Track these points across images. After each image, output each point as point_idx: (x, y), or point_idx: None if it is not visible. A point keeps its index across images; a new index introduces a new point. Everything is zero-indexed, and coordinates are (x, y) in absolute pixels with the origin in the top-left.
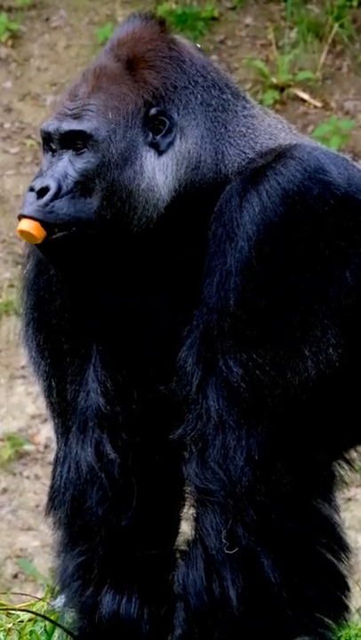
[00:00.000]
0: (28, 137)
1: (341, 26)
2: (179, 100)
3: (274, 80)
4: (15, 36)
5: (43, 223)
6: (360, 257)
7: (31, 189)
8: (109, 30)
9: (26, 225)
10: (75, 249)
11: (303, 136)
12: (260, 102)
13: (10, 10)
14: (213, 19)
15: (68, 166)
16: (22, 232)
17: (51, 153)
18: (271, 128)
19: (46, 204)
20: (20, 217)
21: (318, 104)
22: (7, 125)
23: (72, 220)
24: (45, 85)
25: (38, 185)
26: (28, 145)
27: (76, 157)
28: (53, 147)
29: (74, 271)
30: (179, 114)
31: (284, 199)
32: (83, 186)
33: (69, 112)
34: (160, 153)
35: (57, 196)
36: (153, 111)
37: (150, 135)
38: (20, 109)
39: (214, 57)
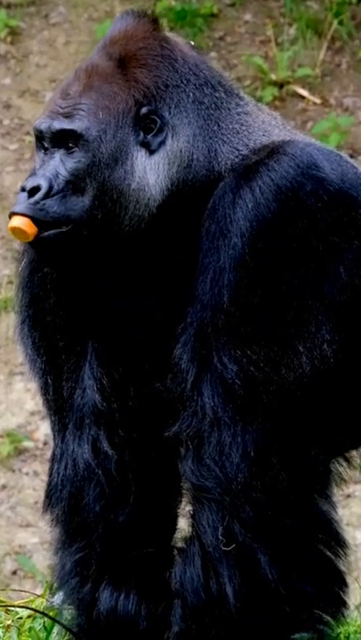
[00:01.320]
0: (27, 133)
1: (341, 22)
2: (170, 99)
3: (273, 77)
4: (14, 33)
5: (34, 220)
6: (354, 253)
7: (23, 189)
8: (108, 27)
9: (17, 222)
10: (65, 247)
11: (298, 132)
12: (260, 99)
13: (9, 6)
14: (212, 15)
15: (59, 165)
16: (14, 229)
17: (43, 151)
18: (265, 125)
19: (37, 202)
20: (11, 215)
21: (317, 101)
22: (6, 122)
23: (63, 218)
24: (44, 82)
25: (29, 184)
26: (27, 141)
27: (67, 156)
28: (45, 145)
29: (65, 269)
30: (170, 112)
31: (277, 195)
32: (74, 185)
33: (61, 110)
34: (151, 152)
35: (48, 194)
36: (144, 110)
37: (141, 134)
38: (20, 106)
39: (213, 54)
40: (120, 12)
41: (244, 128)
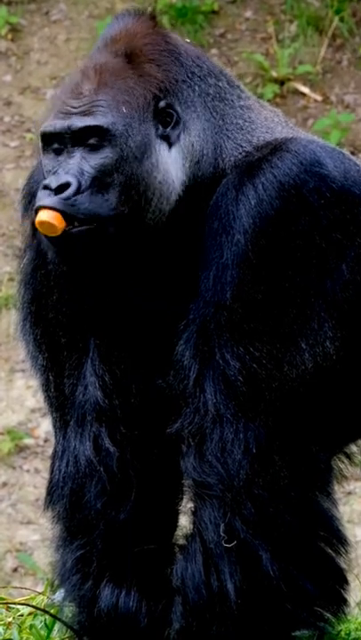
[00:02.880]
0: (28, 131)
1: (341, 19)
2: (180, 93)
3: (274, 74)
4: (15, 30)
5: (64, 215)
6: (356, 250)
7: (46, 187)
8: (109, 24)
9: (47, 215)
10: (91, 244)
11: (299, 130)
12: (260, 96)
13: (10, 3)
14: (213, 12)
15: (82, 163)
16: (42, 223)
17: (53, 153)
18: (268, 121)
19: (68, 198)
20: (39, 209)
21: (318, 98)
22: (7, 119)
23: (93, 214)
24: (45, 79)
25: (55, 182)
26: (28, 139)
27: (91, 154)
28: (58, 146)
29: (83, 266)
30: (181, 106)
31: (280, 192)
32: (99, 182)
33: (75, 110)
34: (170, 146)
35: (78, 191)
36: (162, 104)
37: (160, 128)
38: (20, 103)
39: (214, 51)
40: (120, 9)
41: (247, 124)
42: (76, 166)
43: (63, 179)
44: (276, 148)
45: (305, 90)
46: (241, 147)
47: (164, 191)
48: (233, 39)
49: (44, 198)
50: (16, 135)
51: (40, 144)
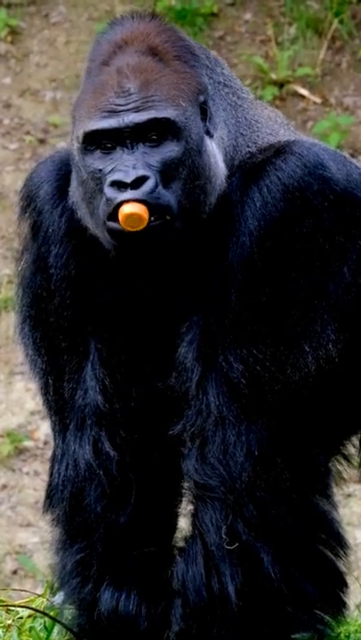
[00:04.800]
0: (28, 133)
1: (341, 22)
2: (205, 87)
3: (273, 76)
4: (14, 32)
5: (149, 206)
6: (358, 252)
7: (115, 184)
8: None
9: (136, 207)
10: (162, 239)
11: (298, 132)
12: (260, 98)
13: (9, 6)
14: (213, 14)
15: (146, 158)
16: (131, 215)
17: (101, 152)
18: (271, 122)
19: (153, 191)
20: (123, 203)
21: (318, 100)
22: (6, 121)
23: (169, 208)
24: (45, 81)
25: (128, 177)
26: (27, 141)
27: (154, 148)
28: (109, 144)
29: (147, 262)
30: (208, 101)
31: (284, 194)
32: (166, 176)
33: (124, 107)
34: (211, 138)
35: (156, 184)
36: (201, 98)
37: (203, 122)
38: (20, 105)
39: (213, 53)
40: (120, 12)
41: (254, 122)
42: (141, 162)
43: (139, 172)
44: (279, 150)
45: (304, 92)
46: (248, 146)
47: (216, 184)
48: (232, 41)
49: (121, 194)
50: (15, 137)
51: (79, 145)
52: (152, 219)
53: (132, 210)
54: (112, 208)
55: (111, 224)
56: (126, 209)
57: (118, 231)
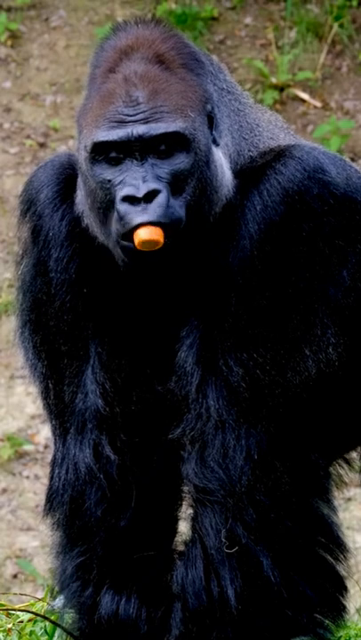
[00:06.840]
0: (28, 137)
1: (341, 26)
2: (210, 94)
3: (273, 80)
4: (15, 36)
5: (165, 227)
6: (357, 256)
7: (127, 199)
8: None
9: (153, 234)
10: (173, 253)
11: (300, 137)
12: (260, 102)
13: (9, 10)
14: (213, 19)
15: (156, 170)
16: (147, 241)
17: (108, 163)
18: (272, 126)
19: (167, 206)
20: (138, 226)
21: (318, 104)
22: (7, 125)
23: (180, 222)
24: (45, 85)
25: (139, 191)
26: (28, 145)
27: (163, 160)
28: (117, 155)
29: (155, 275)
30: (215, 108)
31: (284, 198)
32: (175, 188)
33: (133, 118)
34: (216, 147)
35: (168, 198)
36: (208, 107)
37: (210, 131)
38: (20, 109)
39: (214, 57)
40: (120, 16)
41: (255, 126)
42: (150, 173)
43: (150, 186)
44: (279, 154)
45: (305, 96)
46: (249, 150)
47: (222, 193)
48: (233, 45)
49: (138, 214)
50: (16, 142)
51: (87, 155)
52: (167, 241)
53: (149, 237)
54: (127, 230)
55: (125, 243)
56: (143, 234)
57: (132, 250)
